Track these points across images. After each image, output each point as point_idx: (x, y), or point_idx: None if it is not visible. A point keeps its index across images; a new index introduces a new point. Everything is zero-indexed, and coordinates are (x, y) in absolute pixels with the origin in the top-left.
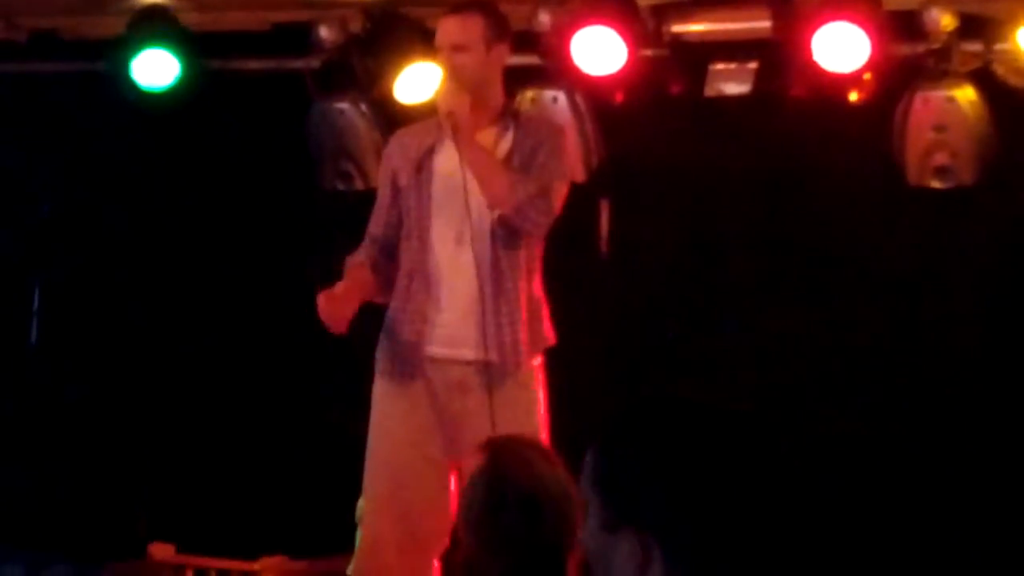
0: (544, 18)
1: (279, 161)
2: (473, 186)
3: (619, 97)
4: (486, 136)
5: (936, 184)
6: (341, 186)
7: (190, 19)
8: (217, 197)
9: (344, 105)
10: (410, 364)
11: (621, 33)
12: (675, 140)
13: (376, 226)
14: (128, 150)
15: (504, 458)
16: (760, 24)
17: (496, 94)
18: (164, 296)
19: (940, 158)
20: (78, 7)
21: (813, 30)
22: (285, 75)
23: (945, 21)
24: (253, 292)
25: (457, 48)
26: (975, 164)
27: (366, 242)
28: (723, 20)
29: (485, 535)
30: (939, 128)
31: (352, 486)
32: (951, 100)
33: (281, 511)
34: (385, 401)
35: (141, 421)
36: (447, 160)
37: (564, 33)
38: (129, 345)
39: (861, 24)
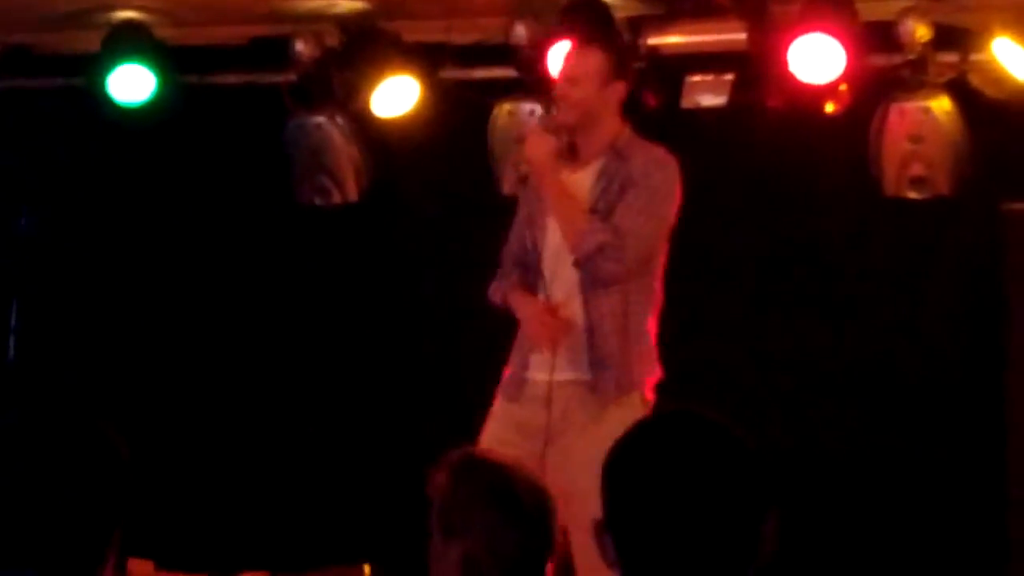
0: (521, 31)
1: (256, 176)
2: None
3: None
4: (587, 172)
5: (912, 195)
6: (318, 200)
7: (166, 34)
8: (194, 212)
9: (321, 119)
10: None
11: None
12: None
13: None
14: (105, 165)
15: (475, 456)
16: (736, 36)
17: (606, 130)
18: (142, 311)
19: (916, 169)
20: (53, 22)
21: (789, 42)
22: (262, 89)
23: (920, 32)
24: (231, 306)
25: (571, 80)
26: (951, 174)
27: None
28: (699, 32)
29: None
30: (915, 139)
31: (333, 501)
32: (927, 111)
33: (262, 527)
34: None
35: (119, 436)
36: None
37: (541, 46)
38: (106, 361)
39: (837, 35)
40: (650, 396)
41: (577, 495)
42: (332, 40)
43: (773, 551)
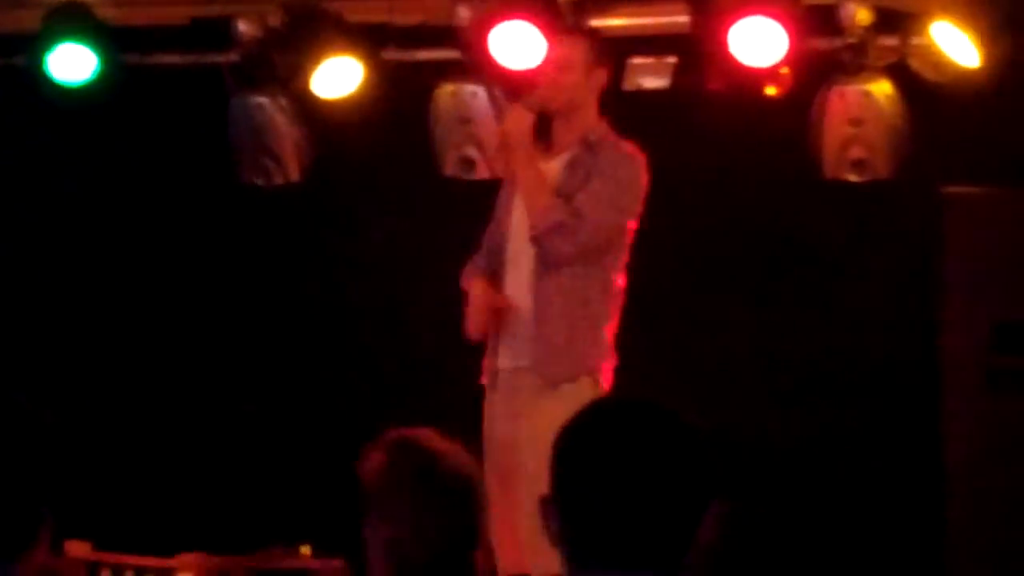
0: (463, 12)
1: (198, 156)
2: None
3: None
4: (558, 161)
5: (852, 177)
6: (260, 181)
7: (107, 13)
8: (136, 193)
9: (263, 99)
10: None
11: (540, 27)
12: None
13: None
14: (45, 146)
15: (407, 438)
16: (678, 19)
17: (585, 119)
18: (80, 290)
19: (856, 152)
20: None
21: (730, 24)
22: (204, 70)
23: (861, 16)
24: (173, 287)
25: (562, 67)
26: (891, 157)
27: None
28: (641, 15)
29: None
30: (855, 122)
31: (268, 482)
32: (867, 94)
33: (201, 508)
34: None
35: (59, 418)
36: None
37: (483, 27)
38: (42, 343)
39: (778, 18)
40: (605, 383)
41: (525, 477)
42: (274, 20)
43: (717, 539)
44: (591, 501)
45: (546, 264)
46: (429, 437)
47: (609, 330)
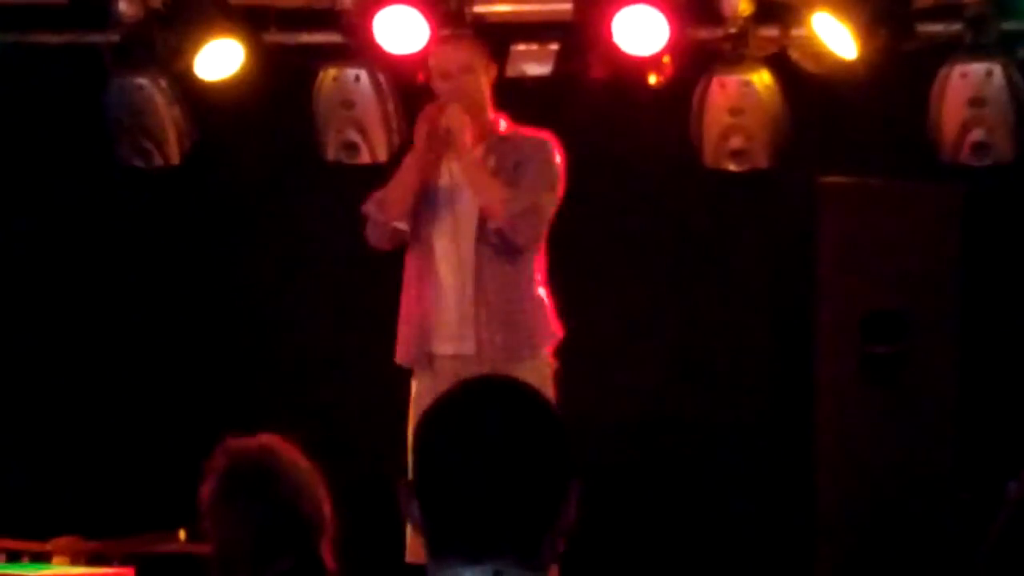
0: None
1: (76, 137)
2: (461, 198)
3: (421, 76)
4: (475, 155)
5: (732, 167)
6: (139, 163)
7: None
8: (12, 173)
9: (143, 81)
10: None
11: (424, 12)
12: None
13: None
14: None
15: (238, 447)
16: (561, 6)
17: (488, 113)
18: None
19: (736, 141)
20: None
21: (613, 13)
22: (83, 49)
23: (742, 6)
24: (50, 269)
25: (465, 70)
26: (769, 147)
27: None
28: (525, 2)
29: (223, 516)
30: (735, 112)
31: (145, 466)
32: (747, 84)
33: (73, 492)
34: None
35: None
36: (444, 172)
37: (366, 11)
38: None
39: (660, 7)
40: (551, 358)
41: None
42: (155, 1)
43: (574, 520)
44: (451, 487)
45: (506, 251)
46: (260, 445)
47: (551, 309)
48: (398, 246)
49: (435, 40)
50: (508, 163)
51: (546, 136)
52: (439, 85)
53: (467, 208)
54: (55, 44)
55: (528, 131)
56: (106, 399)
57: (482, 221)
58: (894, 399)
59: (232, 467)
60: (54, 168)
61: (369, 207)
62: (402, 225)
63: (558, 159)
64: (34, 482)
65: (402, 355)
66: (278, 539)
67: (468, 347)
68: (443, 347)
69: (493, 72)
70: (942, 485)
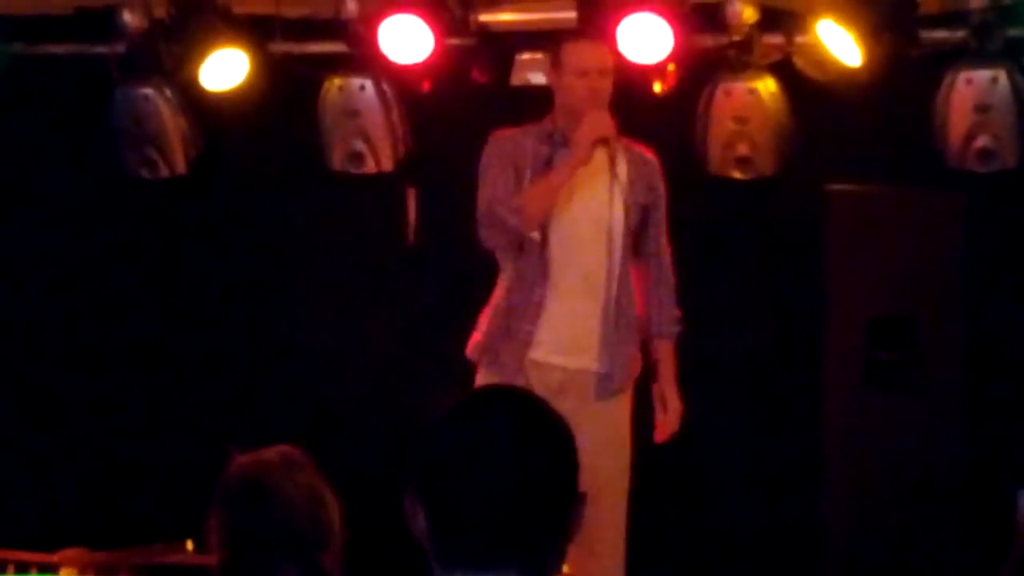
0: (351, 6)
1: (83, 147)
2: (606, 204)
3: (426, 85)
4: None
5: (737, 174)
6: (146, 173)
7: None
8: (19, 183)
9: (149, 91)
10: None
11: (428, 21)
12: (481, 129)
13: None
14: None
15: (241, 459)
16: (566, 14)
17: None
18: None
19: (741, 149)
20: None
21: (617, 21)
22: (89, 59)
23: (747, 14)
24: (57, 279)
25: (603, 72)
26: (775, 155)
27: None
28: (529, 10)
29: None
30: (740, 119)
31: (152, 476)
32: (752, 92)
33: (80, 503)
34: None
35: None
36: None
37: (371, 21)
38: None
39: (665, 15)
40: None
41: (604, 480)
42: (161, 11)
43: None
44: (458, 495)
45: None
46: (260, 459)
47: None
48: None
49: (439, 50)
50: (643, 182)
51: (655, 156)
52: (570, 81)
53: (617, 221)
54: (61, 55)
55: (640, 146)
56: (112, 408)
57: (627, 237)
58: (900, 404)
59: (229, 480)
60: (60, 178)
61: (503, 213)
62: (536, 235)
63: None
64: (41, 493)
65: (476, 352)
66: (272, 555)
67: (592, 363)
68: (555, 358)
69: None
70: (949, 489)
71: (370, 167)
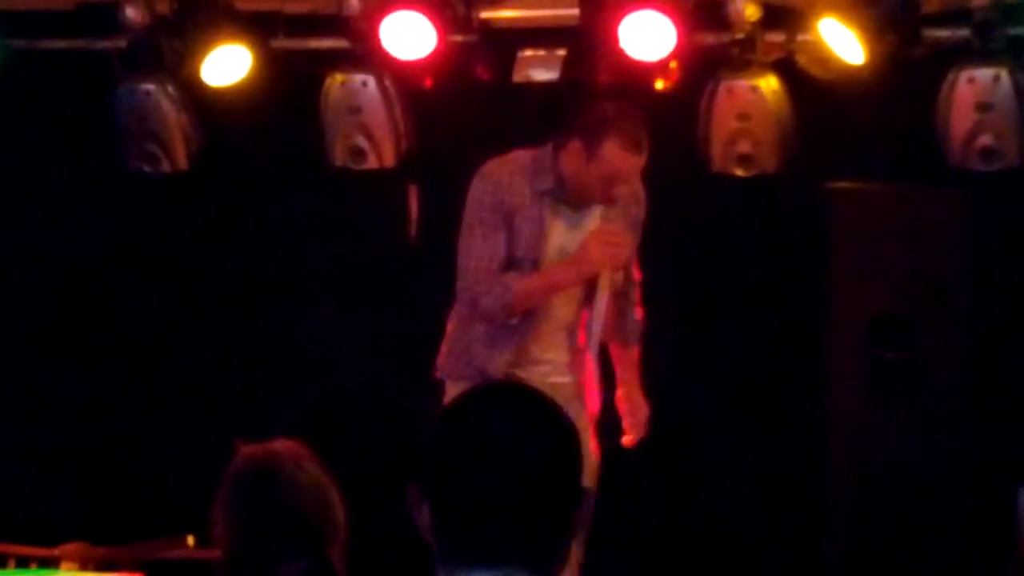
0: (354, 2)
1: (85, 143)
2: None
3: (428, 82)
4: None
5: (739, 172)
6: (147, 168)
7: None
8: (22, 178)
9: (151, 87)
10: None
11: (431, 18)
12: (483, 125)
13: (502, 250)
14: None
15: (247, 452)
16: (568, 11)
17: None
18: None
19: (743, 146)
20: None
21: (620, 18)
22: (91, 55)
23: (749, 11)
24: (57, 275)
25: (631, 179)
26: (777, 153)
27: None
28: (532, 7)
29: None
30: (742, 117)
31: (153, 471)
32: (754, 89)
33: (82, 497)
34: None
35: None
36: (559, 236)
37: (374, 17)
38: None
39: (667, 13)
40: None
41: None
42: (163, 7)
43: (588, 527)
44: (463, 491)
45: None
46: (267, 451)
47: None
48: None
49: (441, 46)
50: (632, 210)
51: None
52: (597, 179)
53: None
54: (63, 50)
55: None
56: (114, 403)
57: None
58: (904, 403)
59: (236, 472)
60: (62, 174)
61: (488, 303)
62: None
63: None
64: (42, 488)
65: (455, 372)
66: (280, 544)
67: (566, 378)
68: (532, 369)
69: None
70: (952, 489)
71: (372, 163)
